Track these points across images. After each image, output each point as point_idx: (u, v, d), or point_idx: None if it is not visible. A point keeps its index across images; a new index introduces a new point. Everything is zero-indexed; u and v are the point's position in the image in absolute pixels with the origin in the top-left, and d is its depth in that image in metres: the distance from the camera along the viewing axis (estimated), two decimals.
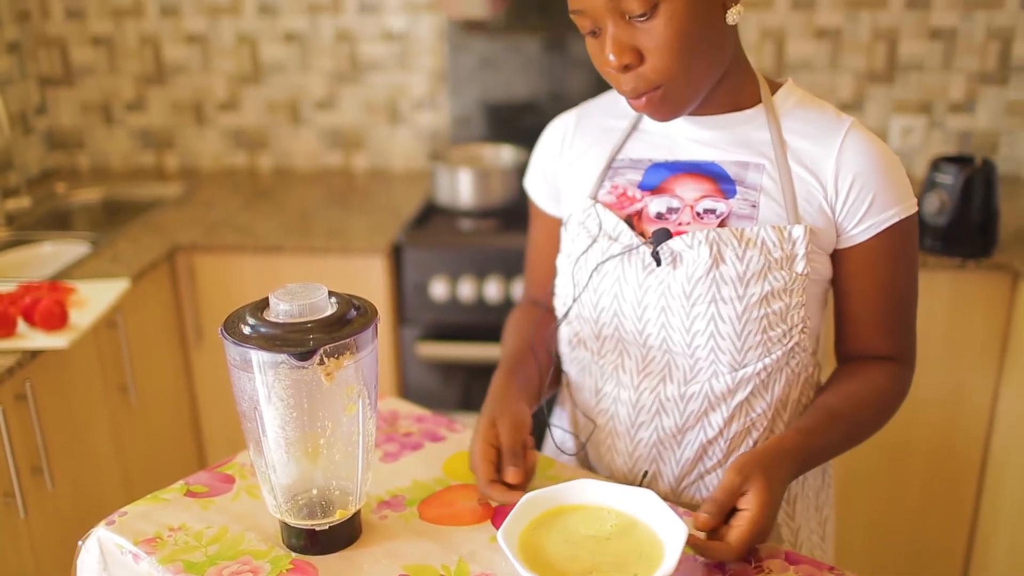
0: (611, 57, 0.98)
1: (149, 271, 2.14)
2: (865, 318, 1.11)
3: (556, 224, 1.25)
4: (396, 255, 2.27)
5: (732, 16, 1.00)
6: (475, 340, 2.27)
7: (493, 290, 2.22)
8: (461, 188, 2.41)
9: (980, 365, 2.06)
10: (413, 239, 2.26)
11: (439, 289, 2.24)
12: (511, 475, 1.01)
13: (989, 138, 2.53)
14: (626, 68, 0.99)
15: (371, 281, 2.24)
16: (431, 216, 2.42)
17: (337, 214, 2.44)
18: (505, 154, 2.59)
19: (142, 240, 2.27)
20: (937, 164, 2.05)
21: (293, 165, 2.87)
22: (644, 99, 1.01)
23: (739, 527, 0.92)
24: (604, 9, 0.97)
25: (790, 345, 1.08)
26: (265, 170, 2.89)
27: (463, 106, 2.72)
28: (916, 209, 1.07)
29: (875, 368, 1.12)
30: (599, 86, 2.52)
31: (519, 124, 2.70)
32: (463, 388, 2.34)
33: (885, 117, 2.56)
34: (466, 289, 2.23)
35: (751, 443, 1.12)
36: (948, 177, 2.01)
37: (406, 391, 2.35)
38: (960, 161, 2.05)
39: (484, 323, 2.25)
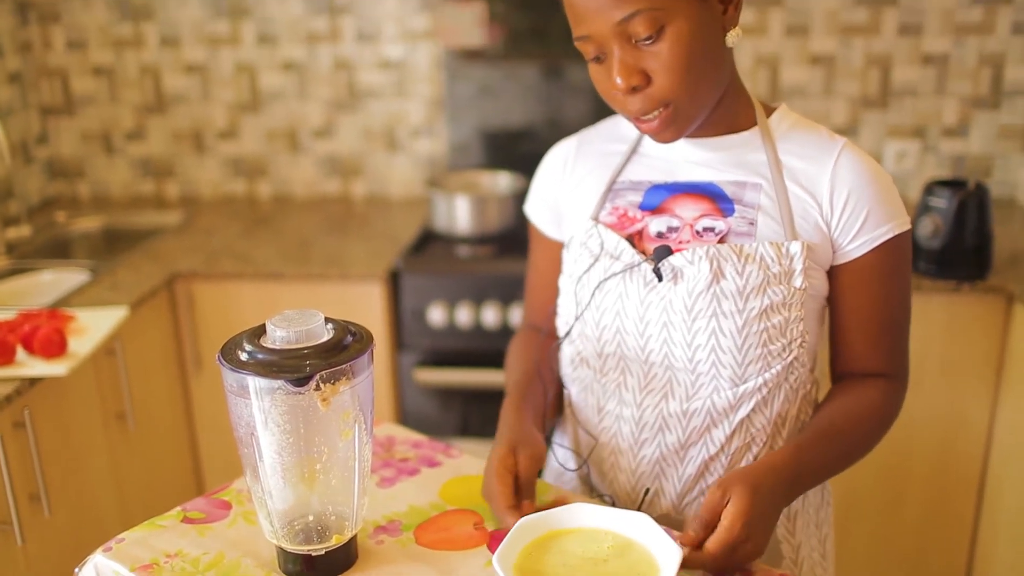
0: (619, 80, 1.00)
1: (148, 299, 2.15)
2: (858, 334, 1.13)
3: (557, 248, 1.26)
4: (394, 281, 2.28)
5: (731, 39, 1.04)
6: (473, 366, 2.27)
7: (491, 316, 2.23)
8: (459, 215, 2.42)
9: (976, 387, 2.07)
10: (411, 265, 2.27)
11: (437, 315, 2.25)
12: (526, 508, 1.01)
13: (982, 162, 2.55)
14: (633, 90, 1.01)
15: (369, 307, 2.25)
16: (429, 242, 2.43)
17: (335, 241, 2.45)
18: (502, 181, 2.61)
19: (142, 268, 2.28)
20: (931, 188, 2.07)
21: (292, 193, 2.89)
22: (655, 117, 1.03)
23: (715, 535, 0.94)
24: (611, 33, 0.99)
25: (789, 359, 1.09)
26: (264, 198, 2.90)
27: (461, 133, 2.74)
28: (909, 226, 1.09)
29: (868, 385, 1.13)
30: (596, 113, 2.54)
31: (516, 151, 2.72)
32: (461, 414, 2.33)
33: (879, 142, 2.58)
34: (464, 315, 2.24)
35: (751, 459, 1.13)
36: (942, 201, 2.03)
37: (404, 417, 2.35)
38: (954, 185, 2.06)
39: (481, 349, 2.25)
